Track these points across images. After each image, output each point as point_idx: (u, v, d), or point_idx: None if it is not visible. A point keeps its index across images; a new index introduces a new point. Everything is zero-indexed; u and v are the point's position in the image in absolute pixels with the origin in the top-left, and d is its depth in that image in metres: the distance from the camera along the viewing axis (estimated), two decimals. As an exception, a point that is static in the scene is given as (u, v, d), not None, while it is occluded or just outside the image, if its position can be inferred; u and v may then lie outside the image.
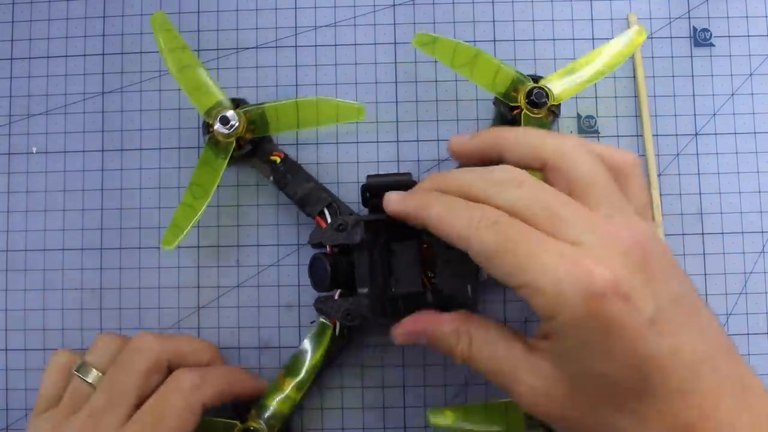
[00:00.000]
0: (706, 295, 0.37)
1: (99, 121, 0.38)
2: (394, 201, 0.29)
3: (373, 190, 0.31)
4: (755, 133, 0.38)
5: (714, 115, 0.38)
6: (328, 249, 0.32)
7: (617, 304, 0.23)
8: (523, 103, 0.34)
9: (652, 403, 0.23)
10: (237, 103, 0.36)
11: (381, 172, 0.33)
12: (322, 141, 0.38)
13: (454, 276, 0.30)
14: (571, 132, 0.38)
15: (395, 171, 0.37)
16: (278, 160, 0.35)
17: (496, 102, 0.36)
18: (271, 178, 0.36)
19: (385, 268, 0.31)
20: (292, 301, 0.37)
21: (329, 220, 0.34)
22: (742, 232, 0.37)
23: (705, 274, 0.37)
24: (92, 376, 0.32)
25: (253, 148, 0.35)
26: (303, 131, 0.37)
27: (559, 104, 0.35)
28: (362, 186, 0.32)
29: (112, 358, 0.33)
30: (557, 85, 0.35)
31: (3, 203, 0.38)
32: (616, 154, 0.28)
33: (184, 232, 0.34)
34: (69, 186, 0.38)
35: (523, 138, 0.28)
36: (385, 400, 0.36)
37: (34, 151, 0.38)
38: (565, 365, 0.25)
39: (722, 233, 0.37)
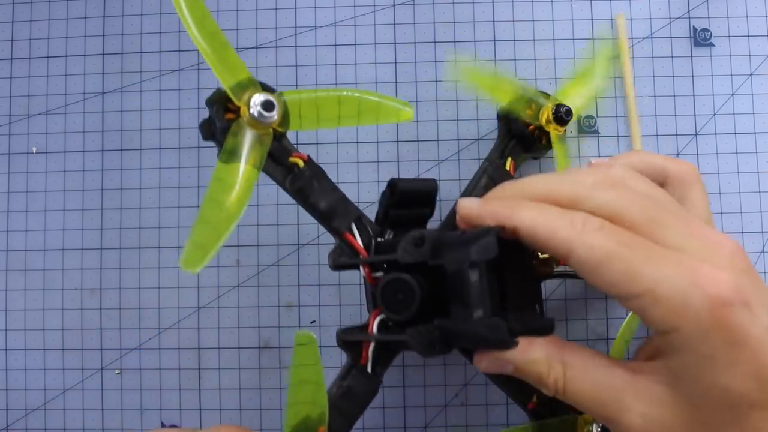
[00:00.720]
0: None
1: (99, 121, 0.38)
2: (469, 206, 0.26)
3: (402, 196, 0.28)
4: (755, 133, 0.38)
5: (714, 115, 0.38)
6: (363, 272, 0.28)
7: (742, 312, 0.22)
8: (547, 121, 0.34)
9: (765, 415, 0.22)
10: (263, 86, 0.28)
11: (408, 178, 0.31)
12: (322, 141, 0.38)
13: (522, 297, 0.26)
14: (571, 132, 0.38)
15: (395, 171, 0.37)
16: (301, 163, 0.29)
17: (507, 119, 0.35)
18: (287, 184, 0.29)
19: (499, 288, 0.25)
20: (292, 301, 0.37)
21: (357, 236, 0.29)
22: (742, 232, 0.37)
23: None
24: None
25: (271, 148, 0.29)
26: (302, 131, 0.37)
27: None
28: (388, 188, 0.29)
29: None
30: (575, 100, 0.35)
31: (3, 203, 0.38)
32: (678, 164, 0.27)
33: (216, 249, 0.27)
34: (69, 186, 0.38)
35: (562, 185, 0.25)
36: (385, 400, 0.36)
37: (34, 151, 0.38)
38: (683, 384, 0.23)
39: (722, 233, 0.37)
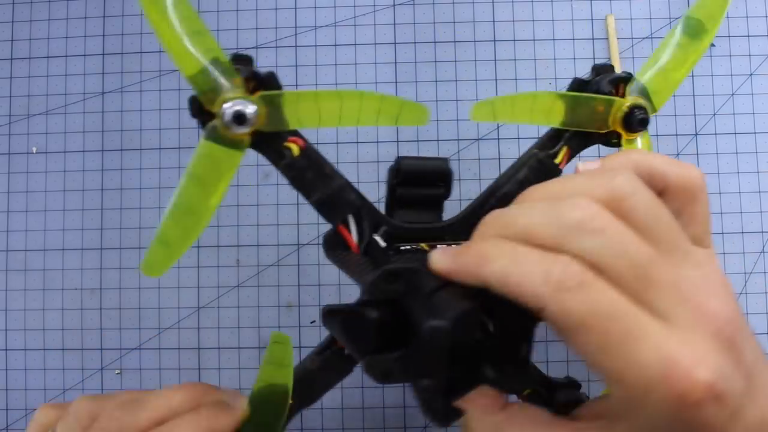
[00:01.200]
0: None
1: (99, 121, 0.38)
2: (440, 261, 0.23)
3: (407, 176, 0.26)
4: (755, 133, 0.38)
5: (714, 115, 0.38)
6: (367, 296, 0.25)
7: (710, 409, 0.20)
8: (621, 129, 0.28)
9: None
10: (238, 65, 0.25)
11: (416, 156, 0.28)
12: (322, 141, 0.38)
13: (509, 335, 0.24)
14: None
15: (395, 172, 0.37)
16: (296, 150, 0.26)
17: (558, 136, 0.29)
18: (281, 169, 0.26)
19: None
20: (292, 301, 0.37)
21: (354, 231, 0.27)
22: (742, 232, 0.37)
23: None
24: None
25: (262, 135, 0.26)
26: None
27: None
28: (393, 169, 0.27)
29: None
30: (654, 90, 0.28)
31: (3, 203, 0.38)
32: (682, 172, 0.25)
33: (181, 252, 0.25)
34: (69, 186, 0.38)
35: (574, 183, 0.23)
36: (385, 400, 0.36)
37: (34, 151, 0.38)
38: None
39: (722, 233, 0.37)
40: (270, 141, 0.26)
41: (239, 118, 0.23)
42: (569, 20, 0.38)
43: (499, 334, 0.24)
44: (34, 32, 0.39)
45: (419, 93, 0.38)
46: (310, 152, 0.26)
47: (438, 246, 0.27)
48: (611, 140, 0.29)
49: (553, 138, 0.29)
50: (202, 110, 0.24)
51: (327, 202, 0.26)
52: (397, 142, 0.38)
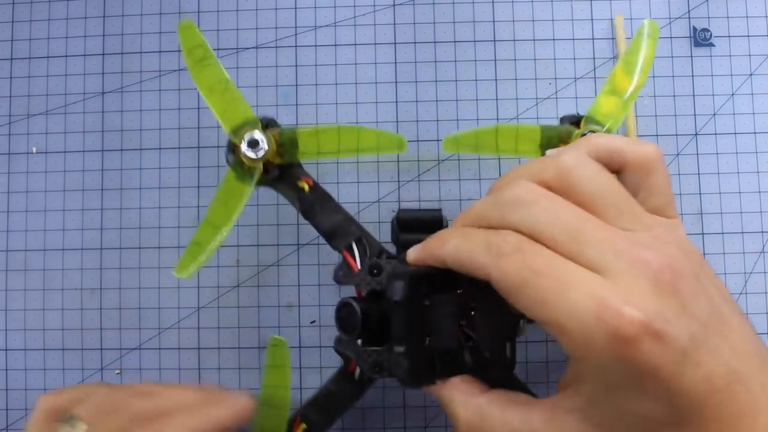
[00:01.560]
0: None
1: (99, 121, 0.38)
2: (412, 252, 0.28)
3: (405, 226, 0.30)
4: (755, 133, 0.38)
5: (714, 115, 0.38)
6: (356, 291, 0.30)
7: (649, 345, 0.21)
8: None
9: None
10: (266, 123, 0.33)
11: (414, 209, 0.35)
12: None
13: (492, 332, 0.27)
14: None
15: (396, 172, 0.37)
16: (306, 187, 0.32)
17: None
18: (297, 205, 0.33)
19: (422, 321, 0.28)
20: (292, 301, 0.37)
21: (357, 256, 0.31)
22: (742, 232, 0.37)
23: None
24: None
25: (280, 173, 0.33)
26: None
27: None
28: (394, 220, 0.31)
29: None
30: (606, 117, 0.32)
31: (3, 203, 0.38)
32: (637, 148, 0.26)
33: (205, 256, 0.31)
34: (69, 186, 0.38)
35: (526, 169, 0.26)
36: (385, 400, 0.36)
37: (34, 151, 0.38)
38: (594, 411, 0.23)
39: (722, 233, 0.37)
40: (287, 179, 0.33)
41: (252, 142, 0.31)
42: (569, 20, 0.38)
43: (483, 334, 0.27)
44: (34, 32, 0.39)
45: (419, 93, 0.38)
46: (318, 189, 0.33)
47: None
48: None
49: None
50: (232, 150, 0.32)
51: (336, 230, 0.32)
52: (397, 142, 0.38)
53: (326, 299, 0.37)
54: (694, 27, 0.38)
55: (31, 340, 0.37)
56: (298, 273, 0.37)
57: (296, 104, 0.38)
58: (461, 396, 0.26)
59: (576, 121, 0.33)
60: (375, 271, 0.30)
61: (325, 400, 0.32)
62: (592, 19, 0.38)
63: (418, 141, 0.38)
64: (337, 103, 0.38)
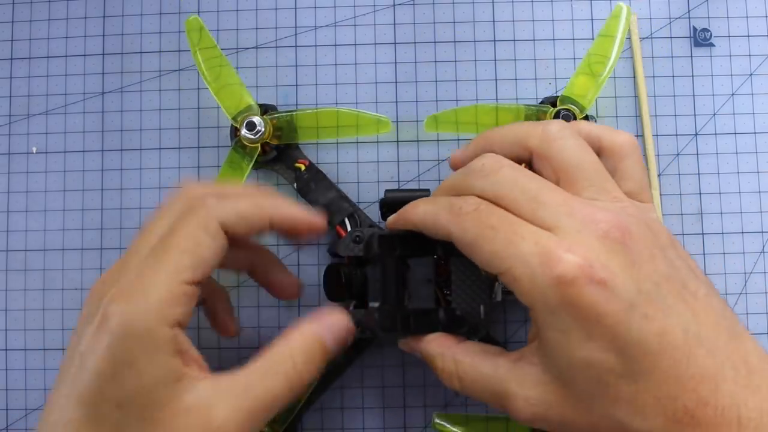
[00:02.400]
0: (706, 295, 0.37)
1: (99, 121, 0.38)
2: (390, 219, 0.30)
3: (391, 206, 0.32)
4: (755, 133, 0.38)
5: (714, 115, 0.38)
6: (345, 260, 0.33)
7: (590, 289, 0.22)
8: None
9: (646, 389, 0.23)
10: (265, 109, 0.36)
11: (400, 188, 0.37)
12: (322, 141, 0.38)
13: (467, 295, 0.30)
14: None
15: (396, 172, 0.37)
16: (302, 167, 0.36)
17: None
18: (295, 184, 0.36)
19: (399, 283, 0.31)
20: (292, 301, 0.37)
21: (348, 227, 0.35)
22: (742, 232, 0.37)
23: (705, 274, 0.37)
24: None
25: (278, 154, 0.36)
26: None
27: (586, 114, 0.35)
28: (380, 201, 0.33)
29: None
30: (581, 97, 0.35)
31: (3, 203, 0.38)
32: (613, 135, 0.28)
33: None
34: (69, 186, 0.38)
35: (509, 130, 0.29)
36: (385, 400, 0.36)
37: (34, 151, 0.38)
38: (552, 361, 0.24)
39: (722, 233, 0.37)
40: (286, 161, 0.36)
41: (250, 125, 0.35)
42: (569, 20, 0.38)
43: (458, 296, 0.30)
44: (34, 32, 0.39)
45: (419, 93, 0.38)
46: (313, 168, 0.36)
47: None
48: None
49: None
50: (235, 133, 0.36)
51: (328, 207, 0.35)
52: (397, 142, 0.38)
53: (326, 299, 0.37)
54: (694, 27, 0.38)
55: (31, 340, 0.37)
56: (298, 273, 0.37)
57: (296, 104, 0.38)
58: (438, 348, 0.28)
59: (553, 101, 0.36)
60: (357, 238, 0.33)
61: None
62: (592, 19, 0.38)
63: (418, 141, 0.38)
64: (337, 103, 0.38)
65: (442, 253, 0.31)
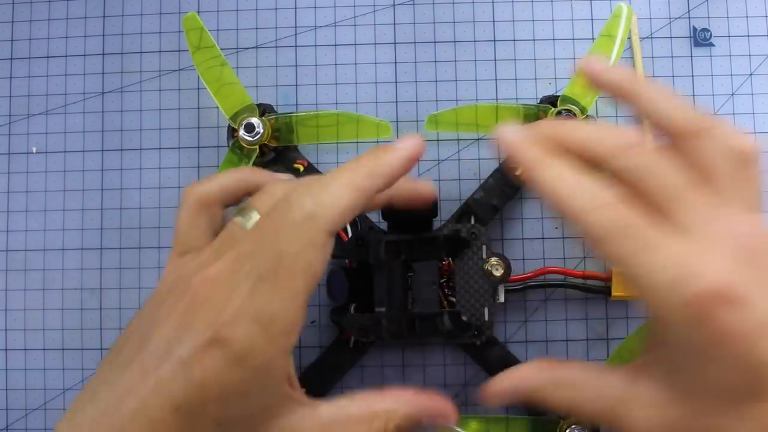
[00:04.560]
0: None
1: (99, 121, 0.38)
2: (513, 138, 0.25)
3: (391, 207, 0.31)
4: (755, 133, 0.38)
5: (714, 115, 0.38)
6: (347, 262, 0.33)
7: (727, 310, 0.21)
8: None
9: (765, 407, 0.22)
10: (263, 109, 0.36)
11: None
12: (322, 141, 0.38)
13: (471, 297, 0.30)
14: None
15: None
16: (301, 168, 0.36)
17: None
18: None
19: (404, 286, 0.31)
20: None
21: (349, 232, 0.34)
22: (742, 232, 0.37)
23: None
24: (252, 222, 0.25)
25: (276, 155, 0.36)
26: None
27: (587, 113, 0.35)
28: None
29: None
30: (581, 97, 0.35)
31: (3, 203, 0.38)
32: (739, 139, 0.26)
33: None
34: (69, 186, 0.38)
35: (665, 101, 0.26)
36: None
37: (34, 151, 0.38)
38: (678, 377, 0.23)
39: (722, 233, 0.37)
40: (285, 162, 0.36)
41: (248, 127, 0.34)
42: (569, 20, 0.38)
43: (463, 299, 0.30)
44: (34, 32, 0.39)
45: (419, 93, 0.38)
46: (311, 169, 0.36)
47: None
48: None
49: None
50: (232, 134, 0.35)
51: None
52: (397, 142, 0.38)
53: (326, 299, 0.37)
54: (694, 27, 0.38)
55: (31, 340, 0.37)
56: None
57: (296, 104, 0.38)
58: (536, 372, 0.26)
59: (553, 101, 0.35)
60: (360, 242, 0.32)
61: (322, 367, 0.35)
62: (592, 19, 0.38)
63: (418, 141, 0.38)
64: (337, 103, 0.38)
65: (446, 256, 0.31)
